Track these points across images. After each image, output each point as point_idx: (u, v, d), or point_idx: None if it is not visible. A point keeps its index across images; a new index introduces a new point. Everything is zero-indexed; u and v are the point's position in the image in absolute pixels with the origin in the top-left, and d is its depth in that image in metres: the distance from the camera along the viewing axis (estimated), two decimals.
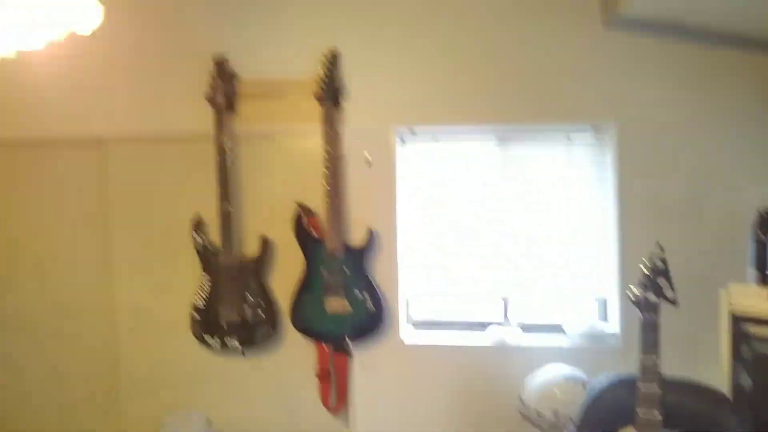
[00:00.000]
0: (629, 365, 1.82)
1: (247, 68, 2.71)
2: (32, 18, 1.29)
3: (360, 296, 2.60)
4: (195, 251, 2.68)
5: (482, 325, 2.78)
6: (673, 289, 1.71)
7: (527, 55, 2.59)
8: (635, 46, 2.53)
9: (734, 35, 2.45)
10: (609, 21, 2.51)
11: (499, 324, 2.77)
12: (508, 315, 2.77)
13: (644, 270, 1.74)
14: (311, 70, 2.60)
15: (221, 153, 2.62)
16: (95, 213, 2.88)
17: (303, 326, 2.68)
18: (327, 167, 2.56)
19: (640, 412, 1.69)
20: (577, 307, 2.74)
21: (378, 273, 2.67)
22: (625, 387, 1.79)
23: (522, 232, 2.66)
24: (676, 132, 2.53)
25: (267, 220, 2.73)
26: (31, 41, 1.33)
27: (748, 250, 1.97)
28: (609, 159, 2.61)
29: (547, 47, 2.57)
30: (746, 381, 1.79)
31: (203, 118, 2.66)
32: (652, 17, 2.44)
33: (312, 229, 2.64)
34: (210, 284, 2.69)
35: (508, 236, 2.67)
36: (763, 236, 1.93)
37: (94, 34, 1.42)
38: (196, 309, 2.71)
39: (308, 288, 2.64)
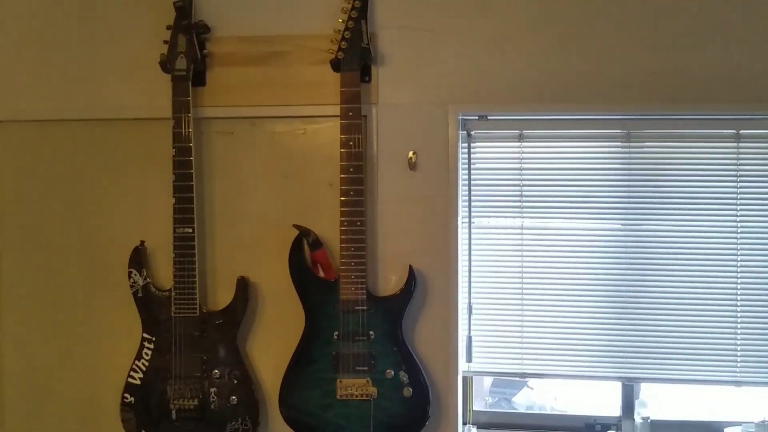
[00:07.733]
0: None
1: (225, 19, 2.24)
2: None
3: (392, 374, 2.08)
4: (132, 297, 2.17)
5: (589, 425, 2.24)
6: None
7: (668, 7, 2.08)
8: None
9: None
10: None
11: (616, 424, 2.25)
12: (634, 408, 2.26)
13: None
14: (325, 23, 2.13)
15: (181, 145, 2.13)
16: None
17: (299, 420, 2.14)
18: (345, 170, 2.06)
19: None
20: (746, 396, 2.30)
21: (423, 337, 2.16)
22: None
23: (657, 281, 2.19)
24: None
25: (248, 250, 2.25)
26: None
27: None
28: None
29: None
30: None
31: (155, 91, 2.20)
32: None
33: (318, 267, 2.14)
34: (153, 350, 2.18)
35: (634, 287, 2.20)
36: None
37: None
38: (130, 388, 2.18)
39: (309, 359, 2.13)
